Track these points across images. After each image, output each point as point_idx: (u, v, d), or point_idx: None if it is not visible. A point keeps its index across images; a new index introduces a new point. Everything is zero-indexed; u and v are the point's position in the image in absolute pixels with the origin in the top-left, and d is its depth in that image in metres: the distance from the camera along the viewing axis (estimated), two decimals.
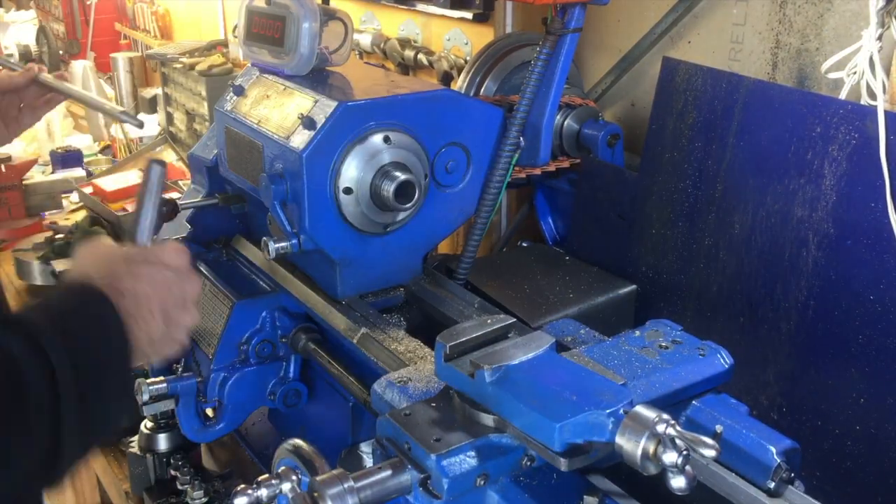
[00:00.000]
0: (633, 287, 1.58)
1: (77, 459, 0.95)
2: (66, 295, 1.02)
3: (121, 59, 4.29)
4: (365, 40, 2.50)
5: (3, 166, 2.94)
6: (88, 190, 2.82)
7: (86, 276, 1.01)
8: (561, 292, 1.54)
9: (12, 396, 0.86)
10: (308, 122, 1.29)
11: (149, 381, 1.41)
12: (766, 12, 1.64)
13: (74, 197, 3.03)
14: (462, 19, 2.18)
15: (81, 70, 4.34)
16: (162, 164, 1.15)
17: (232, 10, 3.74)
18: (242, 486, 0.87)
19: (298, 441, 0.98)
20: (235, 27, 2.02)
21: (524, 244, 1.83)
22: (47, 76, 1.64)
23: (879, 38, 1.31)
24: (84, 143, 4.05)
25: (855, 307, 1.26)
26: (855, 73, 1.34)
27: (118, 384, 1.00)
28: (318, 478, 0.87)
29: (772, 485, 0.92)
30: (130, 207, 2.68)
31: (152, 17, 4.37)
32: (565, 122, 1.70)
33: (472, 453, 0.90)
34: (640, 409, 0.81)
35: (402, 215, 1.37)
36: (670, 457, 0.77)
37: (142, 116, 4.08)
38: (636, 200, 1.59)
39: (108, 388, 0.96)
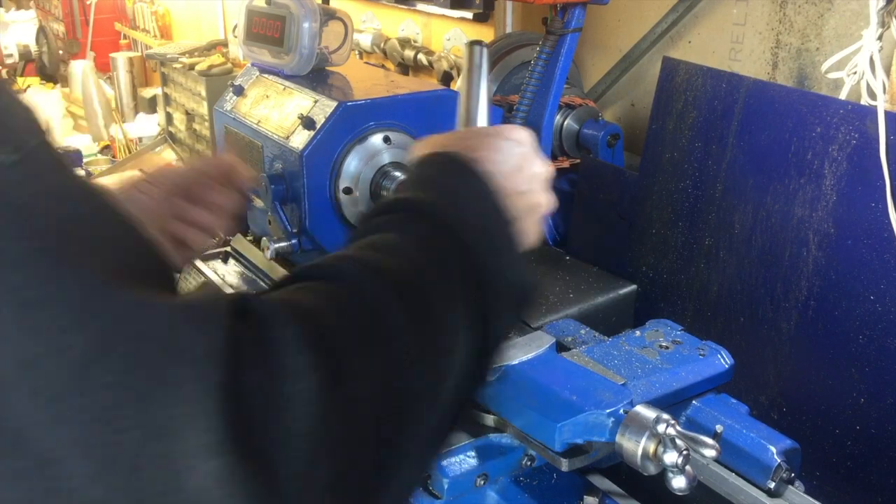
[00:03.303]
0: (634, 287, 1.58)
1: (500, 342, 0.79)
2: (435, 168, 0.85)
3: (121, 59, 4.29)
4: (365, 40, 2.50)
5: None
6: None
7: (443, 150, 0.87)
8: (561, 292, 1.54)
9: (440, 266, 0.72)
10: (308, 121, 1.29)
11: None
12: (766, 12, 1.64)
13: None
14: (462, 19, 2.18)
15: (81, 70, 4.35)
16: (483, 44, 1.05)
17: (232, 10, 3.74)
18: None
19: None
20: (235, 27, 2.02)
21: None
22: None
23: (880, 38, 1.31)
24: (83, 143, 4.05)
25: (855, 307, 1.26)
26: (855, 73, 1.34)
27: (520, 262, 0.82)
28: None
29: (772, 485, 0.92)
30: None
31: (152, 17, 4.38)
32: (565, 122, 1.70)
33: (472, 453, 0.90)
34: (641, 409, 0.81)
35: None
36: (670, 457, 0.77)
37: (141, 116, 4.11)
38: (636, 200, 1.59)
39: (513, 266, 0.80)
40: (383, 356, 0.63)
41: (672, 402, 1.00)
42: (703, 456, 0.77)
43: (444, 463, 0.88)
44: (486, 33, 2.11)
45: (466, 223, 0.78)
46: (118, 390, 0.48)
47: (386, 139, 1.32)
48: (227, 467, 0.49)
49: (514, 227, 0.83)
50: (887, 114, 1.19)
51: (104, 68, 4.58)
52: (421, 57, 2.31)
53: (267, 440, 0.52)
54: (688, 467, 0.77)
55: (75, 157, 3.47)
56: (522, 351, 0.94)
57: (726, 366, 1.05)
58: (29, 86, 4.56)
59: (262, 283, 1.53)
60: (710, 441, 0.77)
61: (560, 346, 1.06)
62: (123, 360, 0.48)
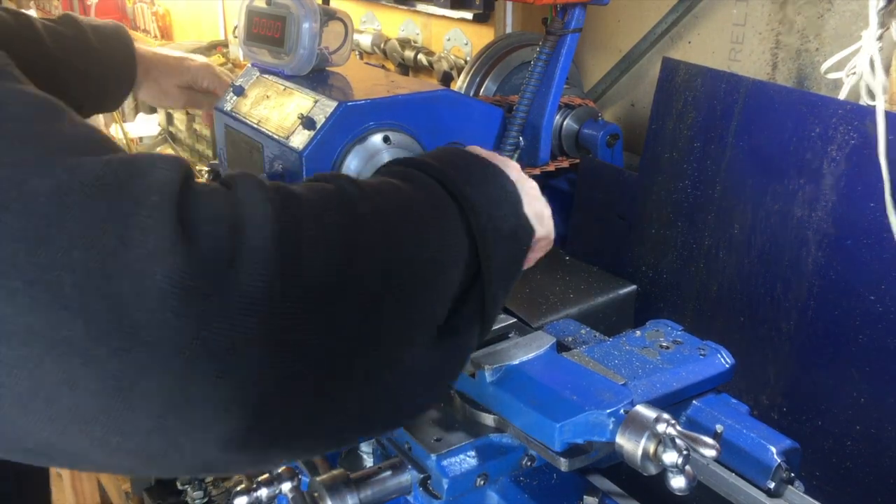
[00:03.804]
0: (634, 287, 1.58)
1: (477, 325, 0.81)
2: (459, 155, 0.90)
3: None
4: (365, 40, 2.50)
5: None
6: None
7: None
8: (561, 292, 1.54)
9: (439, 216, 0.78)
10: (308, 122, 1.29)
11: None
12: (766, 13, 1.64)
13: None
14: (462, 20, 2.18)
15: None
16: None
17: (232, 10, 3.74)
18: (242, 485, 0.88)
19: None
20: (235, 27, 2.02)
21: None
22: None
23: (879, 38, 1.31)
24: None
25: (855, 307, 1.26)
26: (854, 73, 1.35)
27: (515, 257, 0.85)
28: (318, 478, 0.87)
29: (772, 485, 0.92)
30: None
31: (152, 17, 4.37)
32: (565, 122, 1.70)
33: (472, 453, 0.90)
34: (641, 409, 0.81)
35: None
36: (670, 457, 0.77)
37: (141, 116, 4.11)
38: (636, 200, 1.60)
39: (509, 255, 0.83)
40: (340, 232, 0.68)
41: (672, 402, 1.00)
42: (703, 456, 0.77)
43: (444, 463, 0.89)
44: (486, 33, 2.11)
45: (468, 185, 0.81)
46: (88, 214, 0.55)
47: (386, 139, 1.32)
48: (179, 266, 0.55)
49: (522, 222, 0.85)
50: (886, 114, 1.19)
51: None
52: (421, 57, 2.32)
53: (216, 248, 0.58)
54: (688, 467, 0.77)
55: None
56: (522, 351, 0.94)
57: (726, 366, 1.05)
58: None
59: None
60: (710, 441, 0.77)
61: (560, 346, 1.06)
62: (94, 188, 0.56)
